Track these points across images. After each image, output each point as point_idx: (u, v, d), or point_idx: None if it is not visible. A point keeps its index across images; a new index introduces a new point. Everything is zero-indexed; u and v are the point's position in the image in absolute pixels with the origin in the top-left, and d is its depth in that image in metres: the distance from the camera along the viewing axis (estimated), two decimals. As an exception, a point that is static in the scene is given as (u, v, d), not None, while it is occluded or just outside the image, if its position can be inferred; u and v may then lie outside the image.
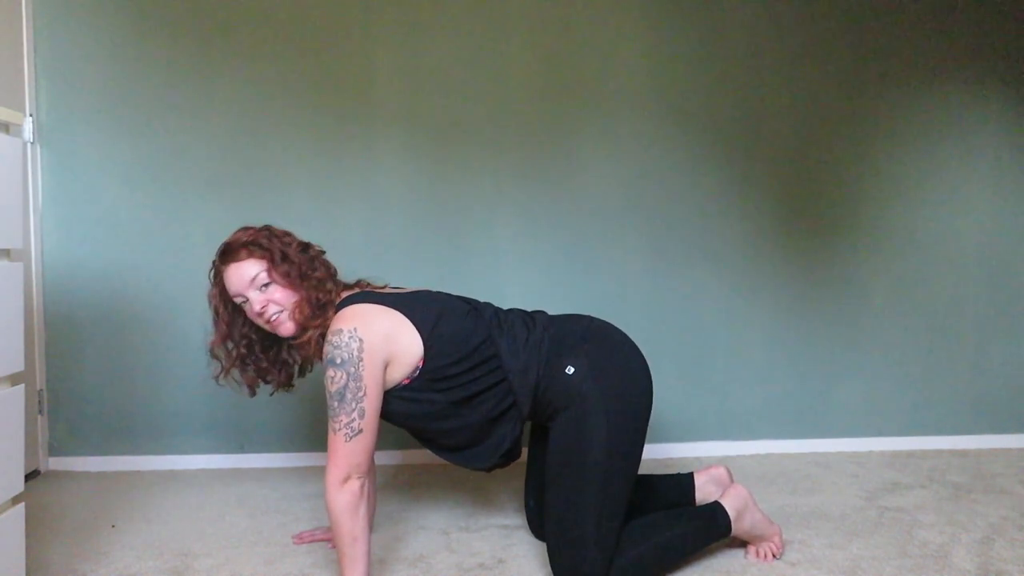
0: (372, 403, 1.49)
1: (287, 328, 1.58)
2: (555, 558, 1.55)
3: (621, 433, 1.56)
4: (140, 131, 2.39)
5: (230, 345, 1.67)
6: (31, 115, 2.33)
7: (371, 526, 1.78)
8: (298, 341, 1.60)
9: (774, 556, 1.73)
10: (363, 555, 1.49)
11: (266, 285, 1.56)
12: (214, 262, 1.62)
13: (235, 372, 1.70)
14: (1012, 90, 2.64)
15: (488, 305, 1.72)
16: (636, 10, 2.52)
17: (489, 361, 1.59)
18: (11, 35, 2.26)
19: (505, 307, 1.76)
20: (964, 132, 2.64)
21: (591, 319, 1.73)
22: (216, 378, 1.68)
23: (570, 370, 1.58)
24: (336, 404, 1.47)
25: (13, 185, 1.31)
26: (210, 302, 1.65)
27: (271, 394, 1.79)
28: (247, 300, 1.57)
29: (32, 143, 2.34)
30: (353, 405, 1.46)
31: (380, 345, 1.50)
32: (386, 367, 1.52)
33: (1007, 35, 2.63)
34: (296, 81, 2.43)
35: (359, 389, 1.47)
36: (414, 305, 1.59)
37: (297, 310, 1.56)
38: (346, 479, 1.47)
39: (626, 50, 2.52)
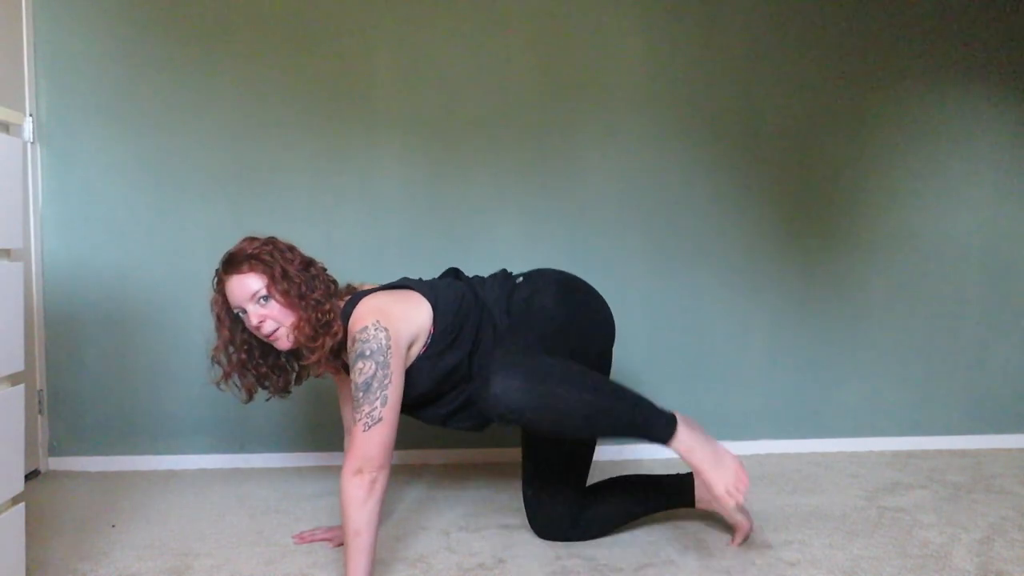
0: (395, 391, 1.52)
1: (283, 344, 1.60)
2: (490, 382, 1.44)
3: (570, 315, 1.69)
4: (140, 131, 2.39)
5: (231, 350, 1.68)
6: (31, 115, 2.33)
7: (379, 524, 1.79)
8: (308, 361, 1.62)
9: (740, 503, 1.55)
10: (365, 550, 1.50)
11: (265, 300, 1.57)
12: (217, 270, 1.63)
13: (235, 377, 1.70)
14: (1012, 90, 2.64)
15: (465, 278, 1.85)
16: (635, 9, 2.52)
17: (474, 308, 1.71)
18: (11, 35, 2.26)
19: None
20: (964, 132, 2.64)
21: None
22: (217, 384, 1.69)
23: (519, 279, 1.78)
24: (361, 395, 1.50)
25: (13, 185, 1.31)
26: (212, 308, 1.66)
27: (267, 399, 1.79)
28: (246, 312, 1.59)
29: (32, 143, 2.34)
30: (377, 394, 1.49)
31: (404, 329, 1.57)
32: (411, 347, 1.60)
33: (1007, 35, 2.63)
34: (296, 81, 2.43)
35: (385, 377, 1.50)
36: (409, 283, 1.70)
37: (296, 330, 1.58)
38: (358, 471, 1.48)
39: (626, 49, 2.52)
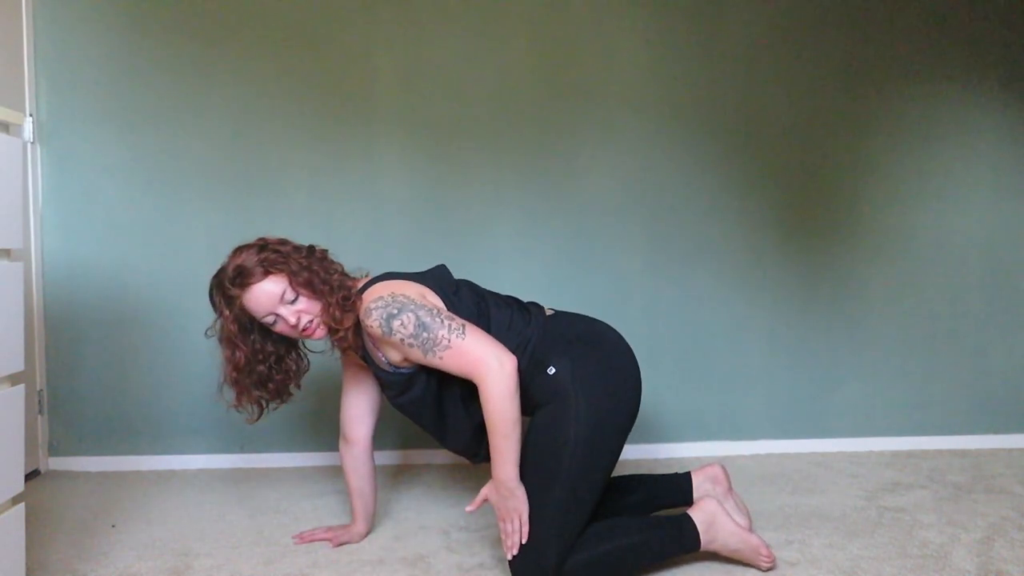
0: (450, 315, 1.55)
1: (320, 333, 1.63)
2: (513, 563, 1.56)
3: (597, 440, 1.57)
4: (140, 131, 2.39)
5: (249, 369, 1.66)
6: (31, 115, 2.33)
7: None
8: (336, 337, 1.62)
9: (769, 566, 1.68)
10: (519, 437, 1.52)
11: (293, 300, 1.59)
12: (224, 291, 1.59)
13: (251, 394, 1.69)
14: (1012, 90, 2.64)
15: (489, 294, 1.76)
16: (636, 10, 2.52)
17: None
18: (11, 35, 2.26)
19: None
20: (964, 132, 2.64)
21: (591, 323, 1.75)
22: (236, 407, 1.69)
23: (551, 371, 1.60)
24: (426, 335, 1.51)
25: (13, 185, 1.31)
26: (221, 332, 1.63)
27: (274, 409, 1.77)
28: (277, 317, 1.59)
29: (32, 143, 2.34)
30: (440, 320, 1.52)
31: (419, 301, 1.57)
32: None
33: (1007, 35, 2.63)
34: (296, 81, 2.43)
35: (430, 311, 1.52)
36: (434, 278, 1.68)
37: (325, 314, 1.60)
38: (498, 364, 1.48)
39: (626, 50, 2.52)
